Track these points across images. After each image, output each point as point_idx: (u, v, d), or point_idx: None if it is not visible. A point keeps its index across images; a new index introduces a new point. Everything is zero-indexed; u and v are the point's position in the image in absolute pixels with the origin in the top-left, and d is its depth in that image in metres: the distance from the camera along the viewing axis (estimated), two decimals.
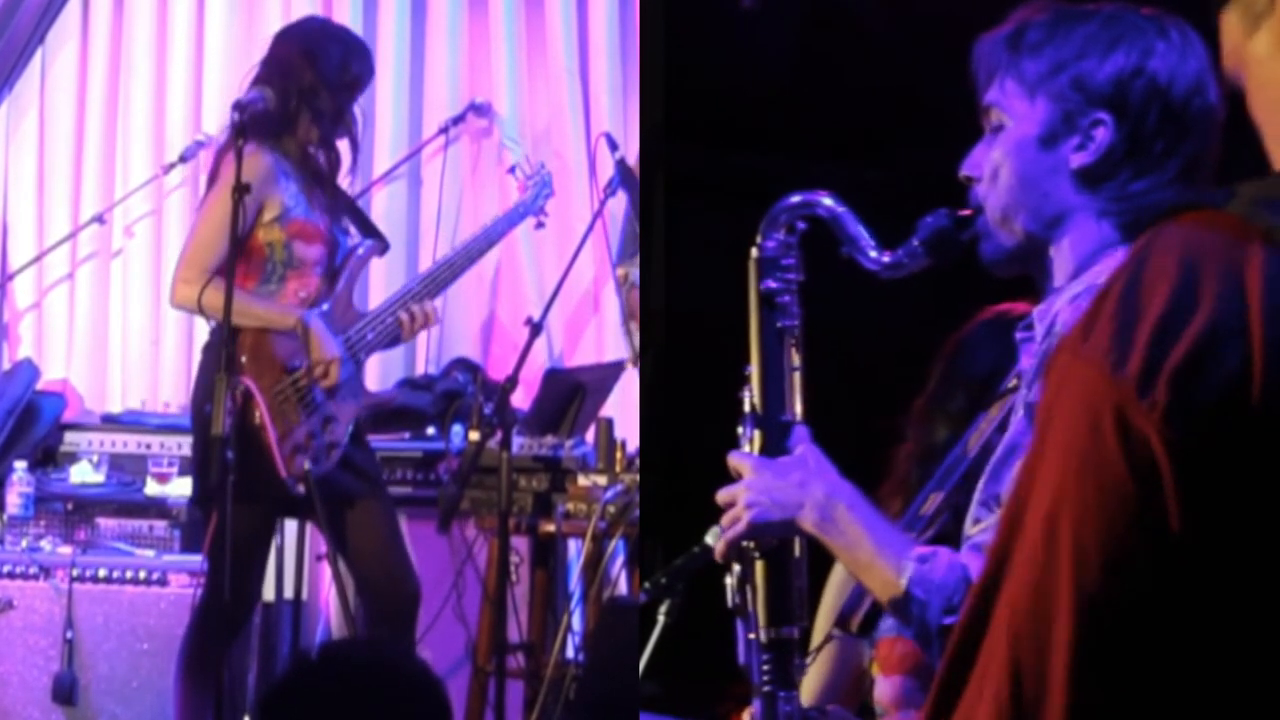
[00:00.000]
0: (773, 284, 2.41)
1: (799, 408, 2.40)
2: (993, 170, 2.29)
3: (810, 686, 3.12)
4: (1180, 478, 1.08)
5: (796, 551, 2.37)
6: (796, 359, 2.42)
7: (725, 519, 2.35)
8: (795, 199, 2.42)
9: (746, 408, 2.41)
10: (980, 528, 2.17)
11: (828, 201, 2.39)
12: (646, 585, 2.83)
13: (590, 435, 5.03)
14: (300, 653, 4.97)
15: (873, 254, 2.35)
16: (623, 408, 5.25)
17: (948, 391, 2.99)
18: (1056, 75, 2.24)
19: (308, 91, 4.48)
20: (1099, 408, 1.11)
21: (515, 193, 5.29)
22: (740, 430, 2.41)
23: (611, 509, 4.69)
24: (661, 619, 2.81)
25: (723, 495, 2.36)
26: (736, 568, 2.38)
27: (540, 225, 5.20)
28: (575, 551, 5.10)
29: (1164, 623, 1.09)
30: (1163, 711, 1.10)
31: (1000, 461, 2.18)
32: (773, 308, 2.42)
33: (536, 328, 4.66)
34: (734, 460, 2.37)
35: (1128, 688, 1.10)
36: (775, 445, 2.37)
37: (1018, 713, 1.13)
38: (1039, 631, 1.12)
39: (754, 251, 2.43)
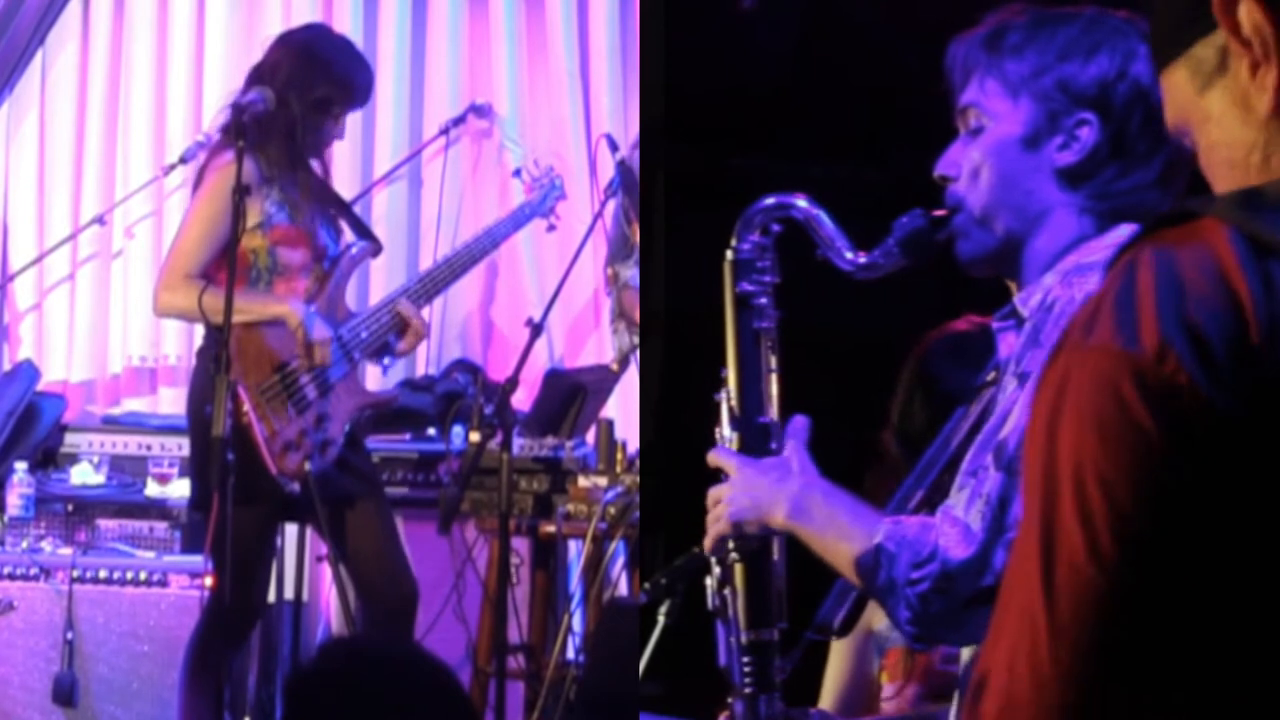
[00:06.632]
0: (748, 286, 2.42)
1: (775, 409, 2.41)
2: (972, 170, 2.30)
3: (827, 696, 3.20)
4: (1209, 423, 1.12)
5: (775, 555, 2.38)
6: (773, 361, 2.42)
7: (710, 517, 2.36)
8: (770, 201, 2.42)
9: (724, 410, 2.41)
10: (960, 495, 2.15)
11: (802, 203, 2.39)
12: (646, 586, 2.84)
13: (591, 436, 5.03)
14: (330, 641, 4.95)
15: (848, 255, 2.34)
16: (623, 409, 5.25)
17: (919, 391, 3.02)
18: (1040, 77, 2.26)
19: (292, 98, 4.47)
20: (1116, 381, 1.15)
21: (519, 194, 5.28)
22: (719, 432, 2.42)
23: (612, 510, 4.68)
24: (661, 619, 2.81)
25: (712, 494, 2.37)
26: (717, 570, 2.39)
27: (552, 228, 5.19)
28: (576, 553, 5.10)
29: (1204, 562, 1.13)
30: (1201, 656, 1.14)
31: (993, 429, 2.17)
32: (749, 310, 2.42)
33: (537, 329, 4.65)
34: (718, 458, 2.38)
35: (1168, 628, 1.14)
36: (753, 446, 2.38)
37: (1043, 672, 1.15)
38: (1082, 583, 1.15)
39: (729, 254, 2.43)
